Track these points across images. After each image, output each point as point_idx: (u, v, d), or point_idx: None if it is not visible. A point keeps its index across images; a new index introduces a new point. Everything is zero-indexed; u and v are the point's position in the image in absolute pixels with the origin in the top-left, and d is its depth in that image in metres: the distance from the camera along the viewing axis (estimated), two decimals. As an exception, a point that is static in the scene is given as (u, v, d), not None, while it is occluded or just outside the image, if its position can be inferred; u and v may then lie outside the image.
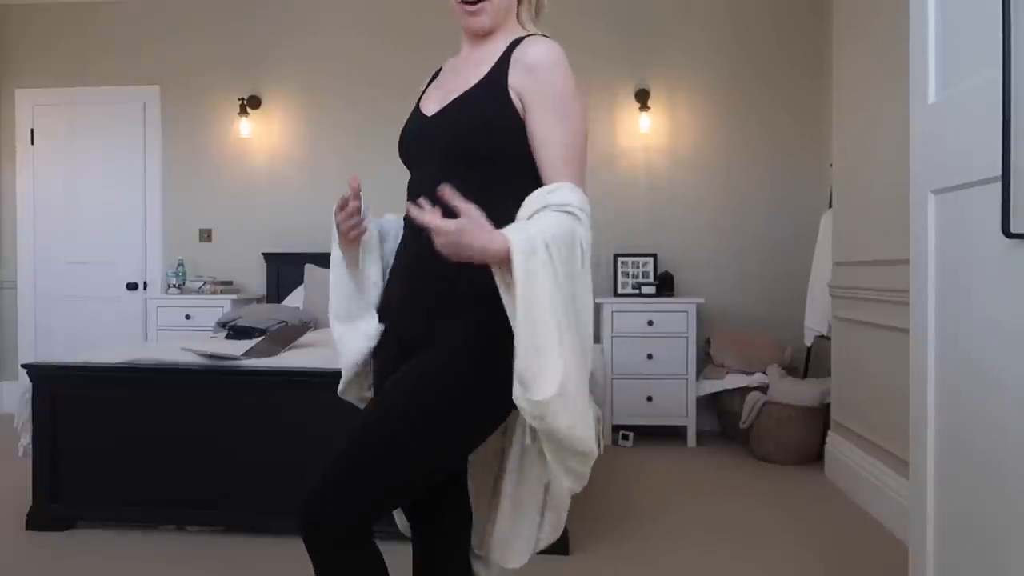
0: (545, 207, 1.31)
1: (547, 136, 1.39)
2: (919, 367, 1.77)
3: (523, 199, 1.35)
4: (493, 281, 1.29)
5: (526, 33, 1.49)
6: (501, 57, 1.43)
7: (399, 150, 1.56)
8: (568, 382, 1.25)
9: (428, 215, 1.25)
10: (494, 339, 1.33)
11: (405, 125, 1.56)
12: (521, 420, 1.47)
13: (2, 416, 4.98)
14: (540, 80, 1.38)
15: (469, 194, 1.29)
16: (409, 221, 1.48)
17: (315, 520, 1.36)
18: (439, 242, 1.25)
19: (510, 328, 1.27)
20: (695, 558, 2.78)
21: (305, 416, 2.88)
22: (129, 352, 3.23)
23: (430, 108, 1.50)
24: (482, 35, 1.51)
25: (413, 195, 1.45)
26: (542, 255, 1.24)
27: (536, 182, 1.41)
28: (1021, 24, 1.36)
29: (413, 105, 1.59)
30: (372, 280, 1.57)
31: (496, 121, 1.41)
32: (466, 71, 1.48)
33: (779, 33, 4.88)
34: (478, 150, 1.41)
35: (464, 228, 1.25)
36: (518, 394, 1.24)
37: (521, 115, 1.40)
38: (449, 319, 1.40)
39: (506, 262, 1.24)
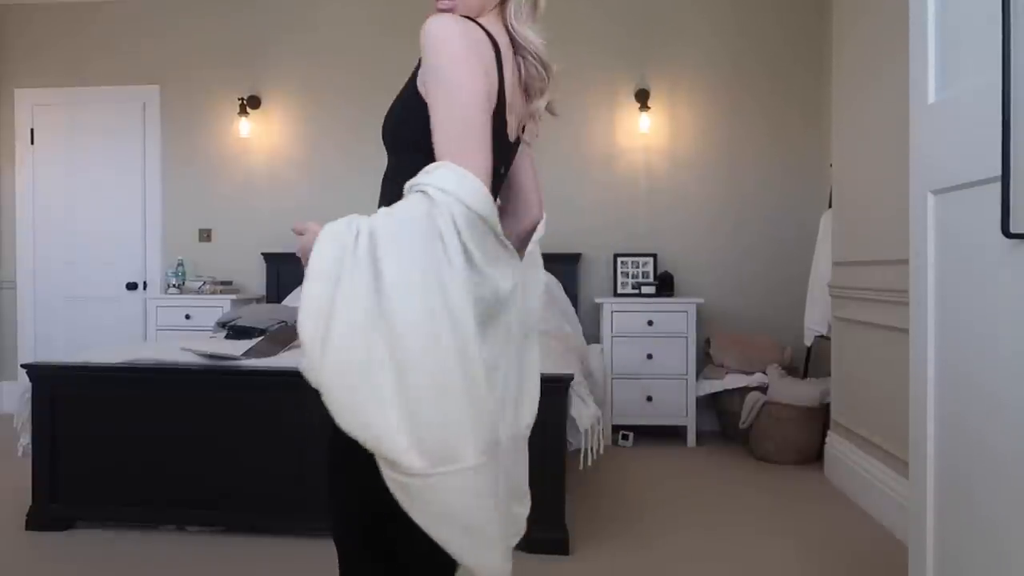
0: (410, 189, 1.22)
1: (434, 114, 1.25)
2: (919, 367, 1.77)
3: None
4: None
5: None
6: None
7: None
8: (351, 362, 1.13)
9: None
10: None
11: None
12: None
13: (1, 416, 4.98)
14: (426, 59, 1.28)
15: (405, 180, 1.27)
16: None
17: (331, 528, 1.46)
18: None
19: None
20: (695, 558, 2.78)
21: (305, 416, 2.87)
22: (129, 352, 3.23)
23: None
24: None
25: None
26: (341, 238, 1.19)
27: None
28: (1021, 25, 1.36)
29: None
30: None
31: (406, 111, 1.36)
32: None
33: (779, 33, 4.88)
34: (397, 139, 1.41)
35: (302, 245, 1.28)
36: None
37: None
38: None
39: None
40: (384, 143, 1.45)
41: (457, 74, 1.24)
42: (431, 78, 1.26)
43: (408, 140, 1.36)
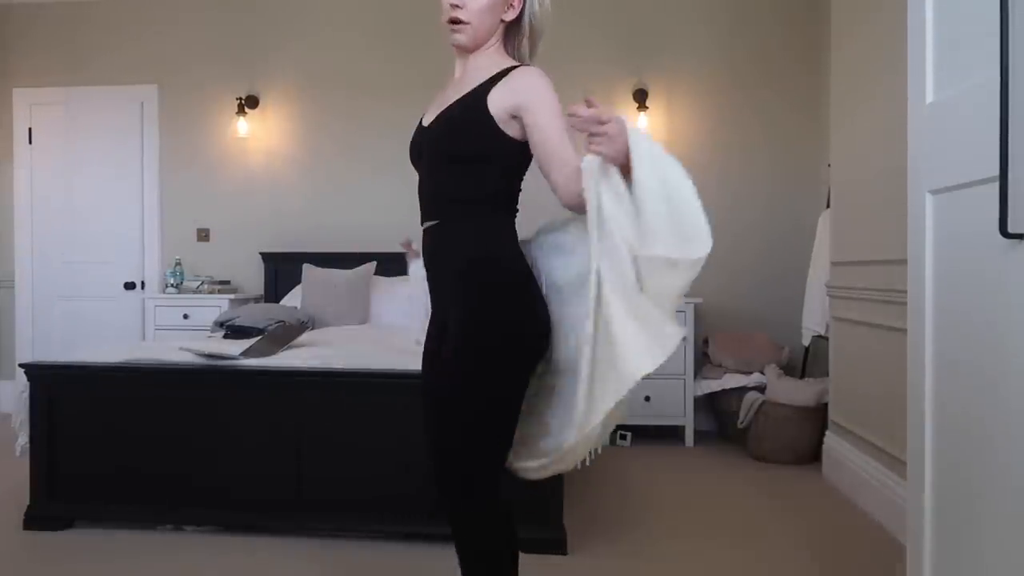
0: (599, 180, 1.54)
1: (546, 132, 1.65)
2: (917, 367, 1.77)
3: (502, 190, 1.75)
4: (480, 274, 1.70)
5: (514, 64, 1.75)
6: (487, 80, 1.71)
7: (410, 156, 1.86)
8: None
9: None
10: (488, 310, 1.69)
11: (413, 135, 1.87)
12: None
13: (0, 415, 4.98)
14: (529, 93, 1.66)
15: (455, 186, 1.72)
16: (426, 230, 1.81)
17: (456, 488, 1.69)
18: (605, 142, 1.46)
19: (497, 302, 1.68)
20: (693, 557, 2.78)
21: (303, 416, 2.88)
22: (127, 352, 3.22)
23: (427, 120, 1.81)
24: (463, 52, 1.78)
25: (420, 193, 1.80)
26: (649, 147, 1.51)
27: (509, 176, 1.74)
28: (1019, 24, 1.37)
29: (409, 105, 1.88)
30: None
31: (474, 128, 1.68)
32: (457, 89, 1.77)
33: (777, 32, 4.88)
34: (459, 152, 1.71)
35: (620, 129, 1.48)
36: (677, 255, 1.54)
37: (500, 124, 1.67)
38: (455, 307, 1.73)
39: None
40: (439, 153, 1.74)
41: (557, 106, 1.66)
42: (539, 106, 1.64)
43: (476, 152, 1.70)
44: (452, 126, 1.71)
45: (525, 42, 1.78)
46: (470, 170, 1.71)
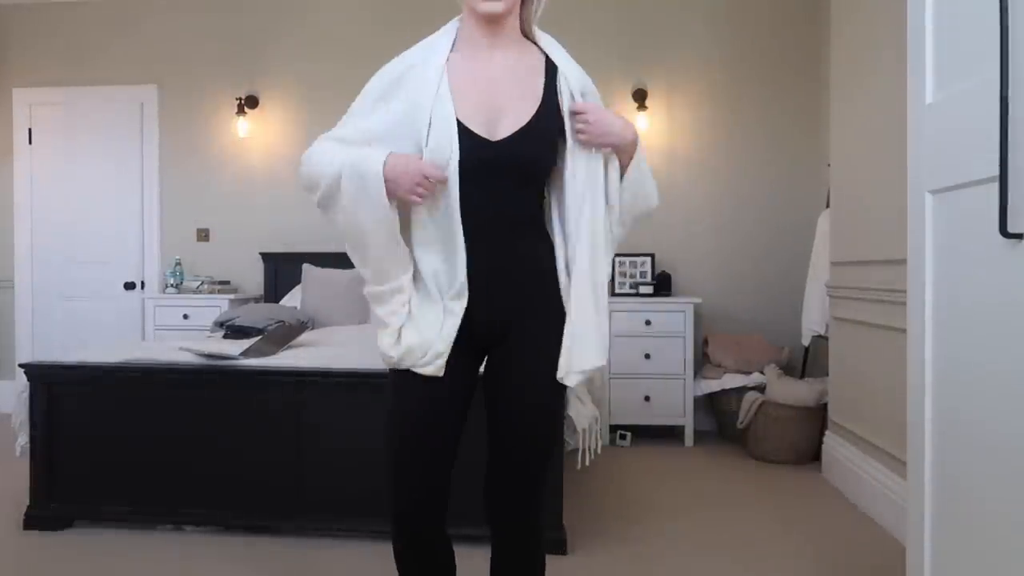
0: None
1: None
2: (916, 367, 1.77)
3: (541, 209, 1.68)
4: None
5: (542, 50, 1.67)
6: (547, 81, 1.64)
7: (460, 168, 1.55)
8: None
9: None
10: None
11: (459, 140, 1.54)
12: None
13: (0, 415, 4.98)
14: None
15: (530, 209, 1.65)
16: (493, 219, 1.60)
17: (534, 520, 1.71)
18: (585, 127, 1.59)
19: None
20: (692, 557, 2.78)
21: (302, 416, 2.88)
22: (126, 352, 3.22)
23: (476, 123, 1.56)
24: (494, 22, 1.58)
25: (484, 209, 1.58)
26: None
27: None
28: (1018, 24, 1.37)
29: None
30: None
31: (553, 152, 1.63)
32: (504, 81, 1.61)
33: (776, 32, 4.88)
34: (545, 171, 1.66)
35: (612, 123, 1.67)
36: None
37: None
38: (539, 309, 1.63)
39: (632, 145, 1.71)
40: (527, 173, 1.63)
41: None
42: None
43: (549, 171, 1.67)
44: (542, 152, 1.61)
45: (534, 7, 1.66)
46: (539, 188, 1.68)
